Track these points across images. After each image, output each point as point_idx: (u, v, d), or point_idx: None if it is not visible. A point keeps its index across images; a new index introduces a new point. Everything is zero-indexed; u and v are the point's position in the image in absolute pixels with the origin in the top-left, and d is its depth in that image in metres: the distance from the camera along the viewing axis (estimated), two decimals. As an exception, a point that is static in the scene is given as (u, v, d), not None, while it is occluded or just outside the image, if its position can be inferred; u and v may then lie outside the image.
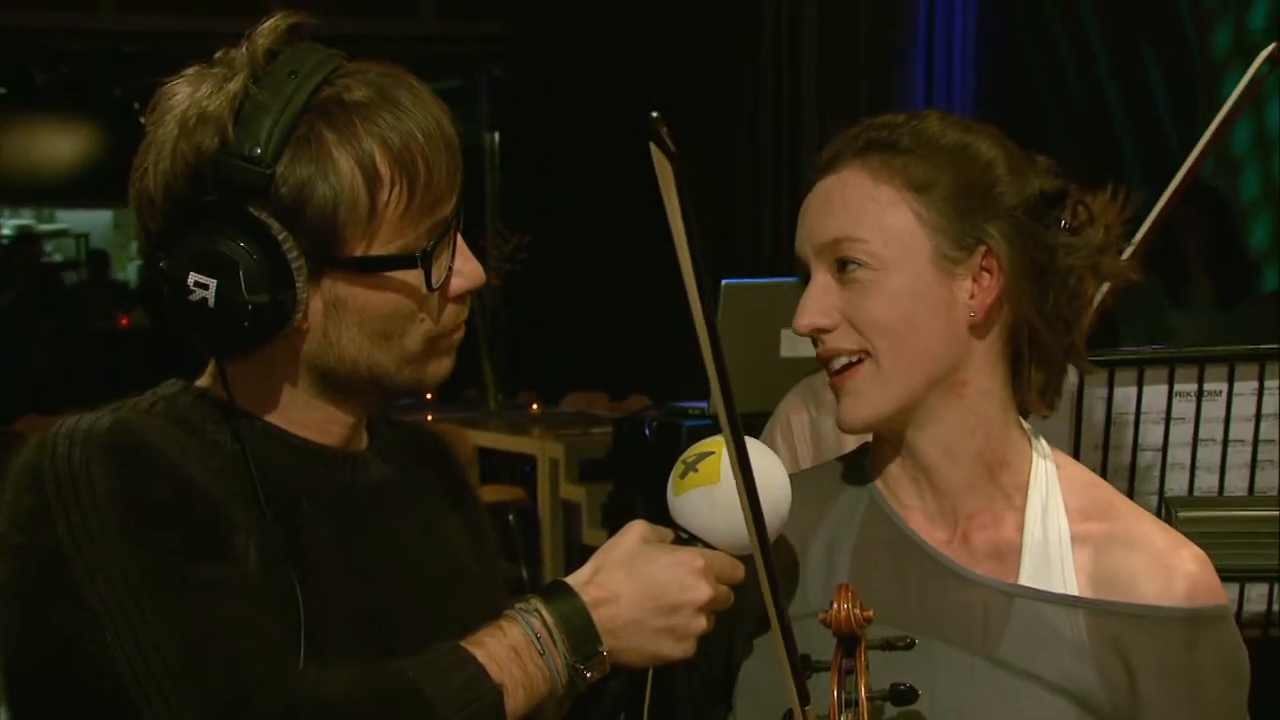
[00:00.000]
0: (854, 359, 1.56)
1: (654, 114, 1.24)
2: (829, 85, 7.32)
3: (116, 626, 1.33)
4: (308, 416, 1.50)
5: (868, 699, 1.42)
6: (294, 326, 1.43)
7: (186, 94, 1.43)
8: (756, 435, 2.59)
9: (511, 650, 1.42)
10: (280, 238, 1.40)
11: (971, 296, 1.56)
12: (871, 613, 1.43)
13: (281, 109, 1.40)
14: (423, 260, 1.44)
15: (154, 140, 1.43)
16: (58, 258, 14.00)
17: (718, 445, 1.50)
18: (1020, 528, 1.59)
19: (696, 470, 1.49)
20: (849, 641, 1.44)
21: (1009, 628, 1.55)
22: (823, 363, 1.59)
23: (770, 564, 1.39)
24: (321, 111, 1.42)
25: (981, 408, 1.59)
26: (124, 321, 11.47)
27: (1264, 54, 2.37)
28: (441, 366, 1.51)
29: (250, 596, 1.37)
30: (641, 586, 1.46)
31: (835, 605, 1.42)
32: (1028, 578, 1.57)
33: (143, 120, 1.46)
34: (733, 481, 1.46)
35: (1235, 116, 2.41)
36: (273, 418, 1.49)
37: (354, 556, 1.49)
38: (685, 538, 1.50)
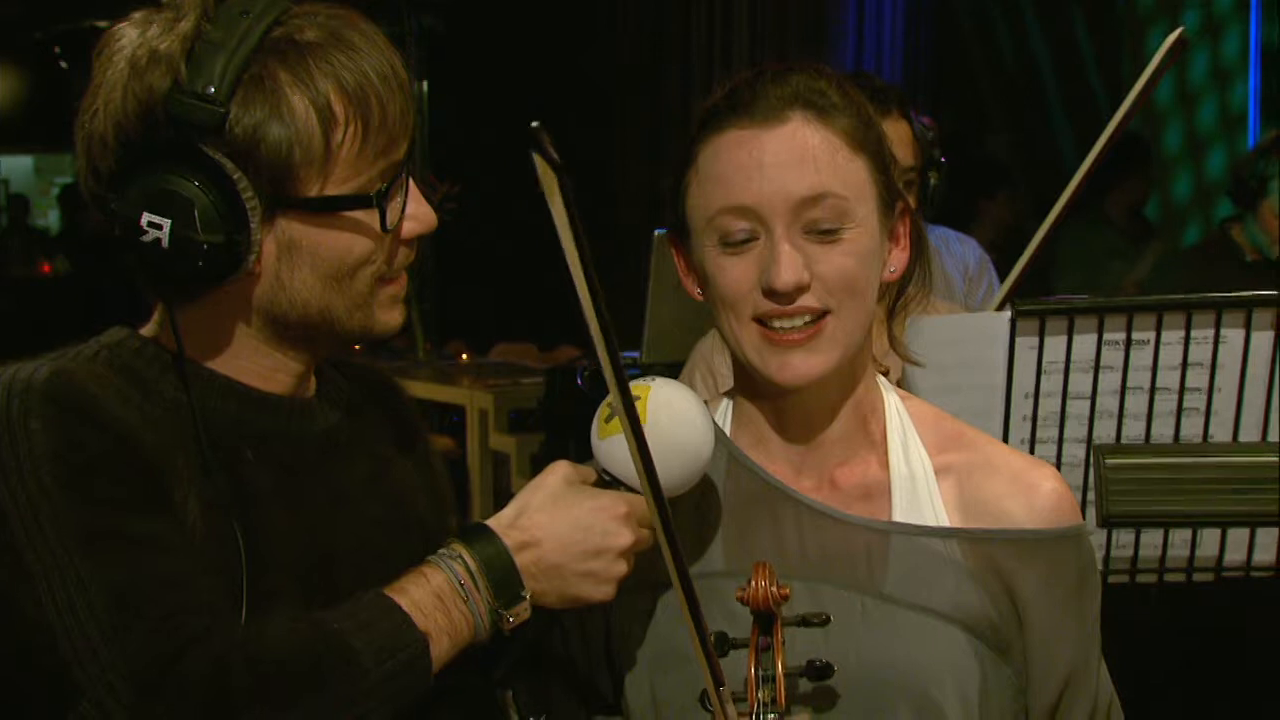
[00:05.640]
0: (815, 317, 1.54)
1: (534, 124, 1.20)
2: (760, 39, 7.30)
3: (50, 583, 1.32)
4: (255, 364, 1.49)
5: (784, 675, 1.42)
6: (247, 269, 1.42)
7: (136, 35, 1.41)
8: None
9: (435, 597, 1.42)
10: (234, 177, 1.38)
11: (890, 253, 1.59)
12: (789, 590, 1.43)
13: (235, 48, 1.38)
14: (378, 200, 1.44)
15: (103, 82, 1.41)
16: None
17: (644, 390, 1.49)
18: (885, 465, 1.62)
19: None
20: (765, 619, 1.44)
21: (890, 564, 1.57)
22: (770, 319, 1.54)
23: (675, 542, 1.35)
24: (275, 51, 1.40)
25: (863, 360, 1.63)
26: (46, 268, 11.30)
27: (1171, 38, 2.37)
28: (392, 316, 1.51)
29: (187, 551, 1.36)
30: (564, 530, 1.46)
31: (753, 583, 1.42)
32: (900, 514, 1.60)
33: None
34: (658, 426, 1.46)
35: (1141, 102, 2.42)
36: (219, 365, 1.48)
37: (300, 504, 1.48)
38: (608, 480, 1.50)
